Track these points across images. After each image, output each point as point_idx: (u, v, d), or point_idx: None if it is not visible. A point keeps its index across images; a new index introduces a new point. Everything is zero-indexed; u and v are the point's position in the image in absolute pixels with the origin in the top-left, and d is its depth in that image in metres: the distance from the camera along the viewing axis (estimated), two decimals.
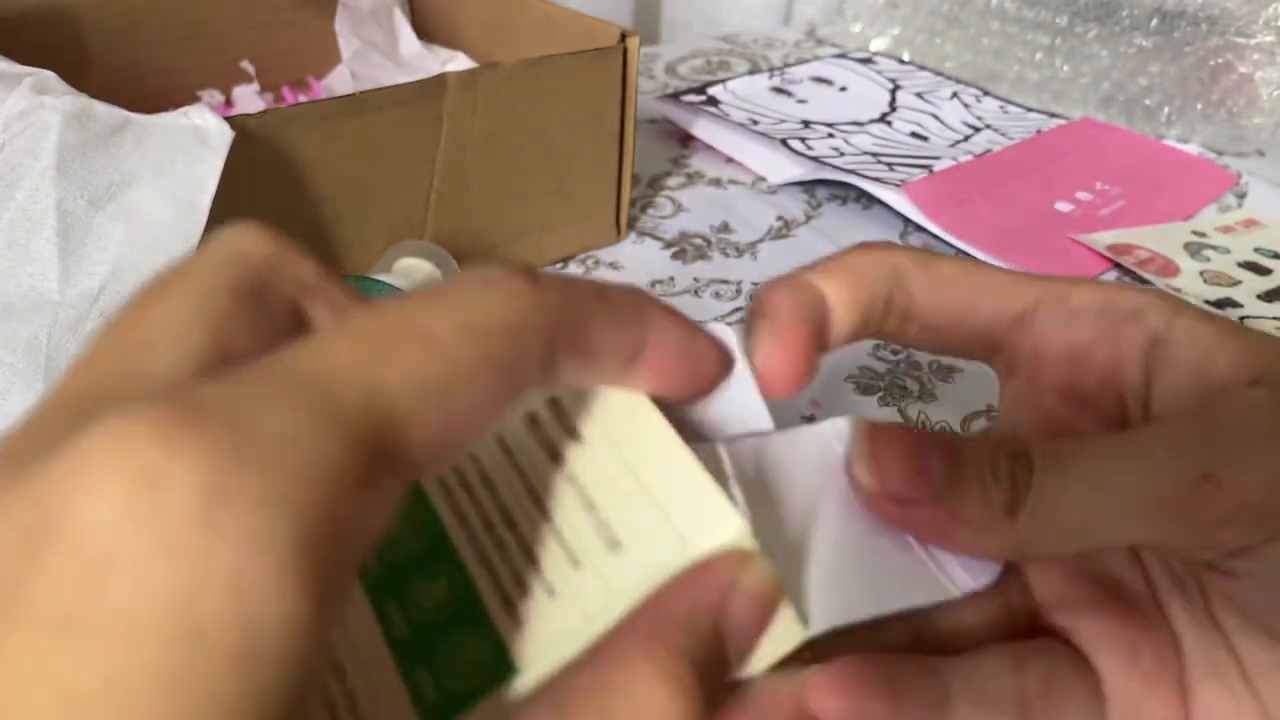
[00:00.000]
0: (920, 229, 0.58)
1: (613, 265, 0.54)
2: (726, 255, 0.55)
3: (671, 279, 0.53)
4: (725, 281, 0.53)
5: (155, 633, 0.11)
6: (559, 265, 0.54)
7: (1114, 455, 0.20)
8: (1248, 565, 0.20)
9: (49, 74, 0.37)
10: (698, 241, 0.57)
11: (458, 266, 0.46)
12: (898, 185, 0.58)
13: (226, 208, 0.37)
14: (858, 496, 0.21)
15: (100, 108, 0.36)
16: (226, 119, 0.37)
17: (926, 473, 0.20)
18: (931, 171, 0.61)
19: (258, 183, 0.41)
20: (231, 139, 0.37)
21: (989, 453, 0.20)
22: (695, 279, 0.53)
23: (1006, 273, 0.24)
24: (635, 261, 0.55)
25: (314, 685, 0.13)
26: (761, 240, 0.57)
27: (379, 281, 0.40)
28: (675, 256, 0.55)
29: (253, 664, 0.12)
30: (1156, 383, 0.22)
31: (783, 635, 0.18)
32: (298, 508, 0.12)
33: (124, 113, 0.36)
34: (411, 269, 0.44)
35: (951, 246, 0.56)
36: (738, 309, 0.51)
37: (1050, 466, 0.20)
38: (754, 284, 0.52)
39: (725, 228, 0.58)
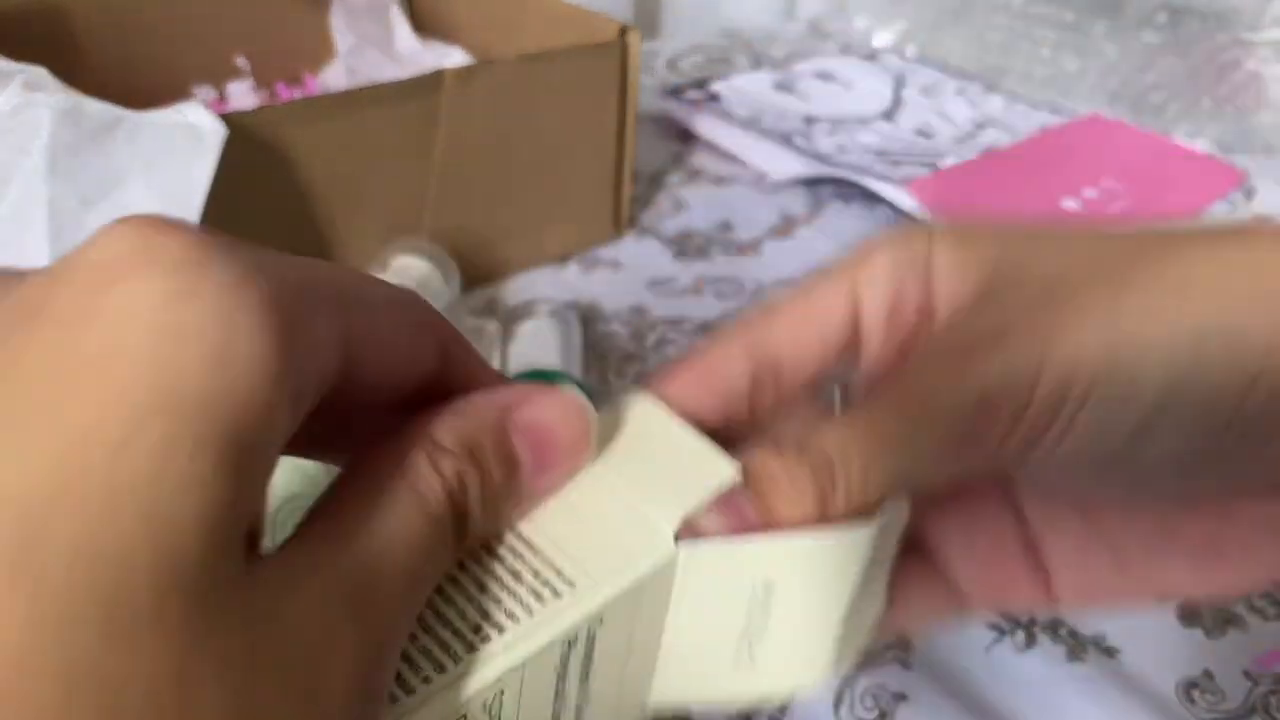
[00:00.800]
0: None
1: (612, 264, 0.54)
2: (728, 253, 0.55)
3: (672, 277, 0.53)
4: (726, 280, 0.52)
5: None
6: (558, 263, 0.53)
7: (895, 418, 0.20)
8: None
9: (41, 71, 0.36)
10: (698, 239, 0.56)
11: (455, 265, 0.45)
12: (902, 183, 0.58)
13: (220, 205, 0.36)
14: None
15: (92, 105, 0.35)
16: (220, 116, 0.37)
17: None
18: (936, 169, 0.60)
19: (252, 180, 0.40)
20: (225, 136, 0.36)
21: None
22: (696, 277, 0.52)
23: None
24: (635, 259, 0.54)
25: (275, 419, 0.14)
26: (763, 238, 0.56)
27: None
28: (676, 255, 0.55)
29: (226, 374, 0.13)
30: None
31: None
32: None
33: (116, 110, 0.36)
34: (407, 267, 0.44)
35: None
36: (738, 308, 0.50)
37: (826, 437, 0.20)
38: (757, 282, 0.52)
39: (726, 226, 0.58)
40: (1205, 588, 0.22)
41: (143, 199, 0.35)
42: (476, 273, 0.50)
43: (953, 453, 0.19)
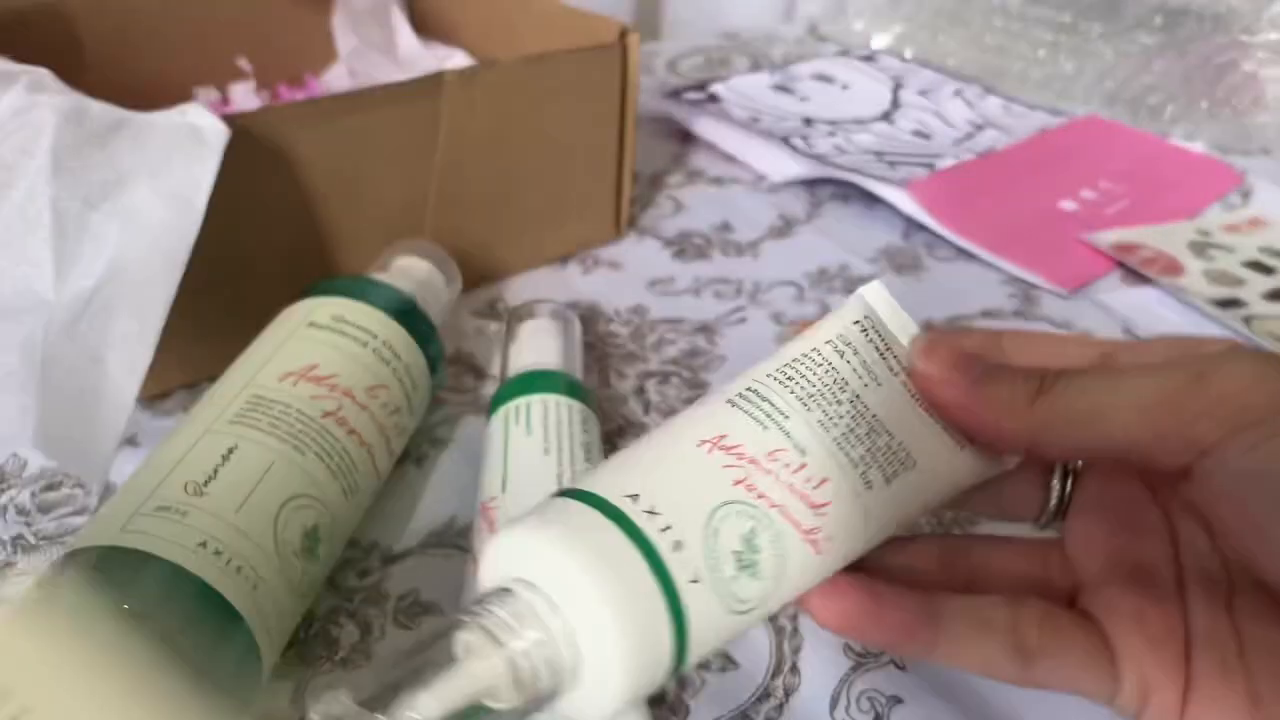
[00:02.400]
0: (923, 228, 0.57)
1: (612, 264, 0.54)
2: (727, 254, 0.55)
3: (672, 278, 0.53)
4: (726, 281, 0.52)
5: None
6: (558, 263, 0.54)
7: (1129, 369, 0.24)
8: (1208, 465, 0.22)
9: (44, 72, 0.37)
10: (698, 240, 0.56)
11: (456, 266, 0.45)
12: (900, 184, 0.58)
13: (223, 206, 0.36)
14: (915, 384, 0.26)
15: (96, 106, 0.36)
16: (223, 117, 0.37)
17: (968, 366, 0.25)
18: (934, 170, 0.61)
19: (254, 181, 0.40)
20: (228, 137, 0.37)
21: (1023, 370, 0.25)
22: (696, 278, 0.53)
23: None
24: (635, 260, 0.54)
25: None
26: (762, 239, 0.57)
27: (376, 281, 0.39)
28: (676, 255, 0.55)
29: None
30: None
31: None
32: None
33: (120, 111, 0.36)
34: (409, 268, 0.44)
35: (954, 246, 0.56)
36: (738, 308, 0.50)
37: (1074, 376, 0.24)
38: (756, 284, 0.52)
39: (726, 226, 0.58)
40: None
41: (146, 201, 0.35)
42: (477, 273, 0.50)
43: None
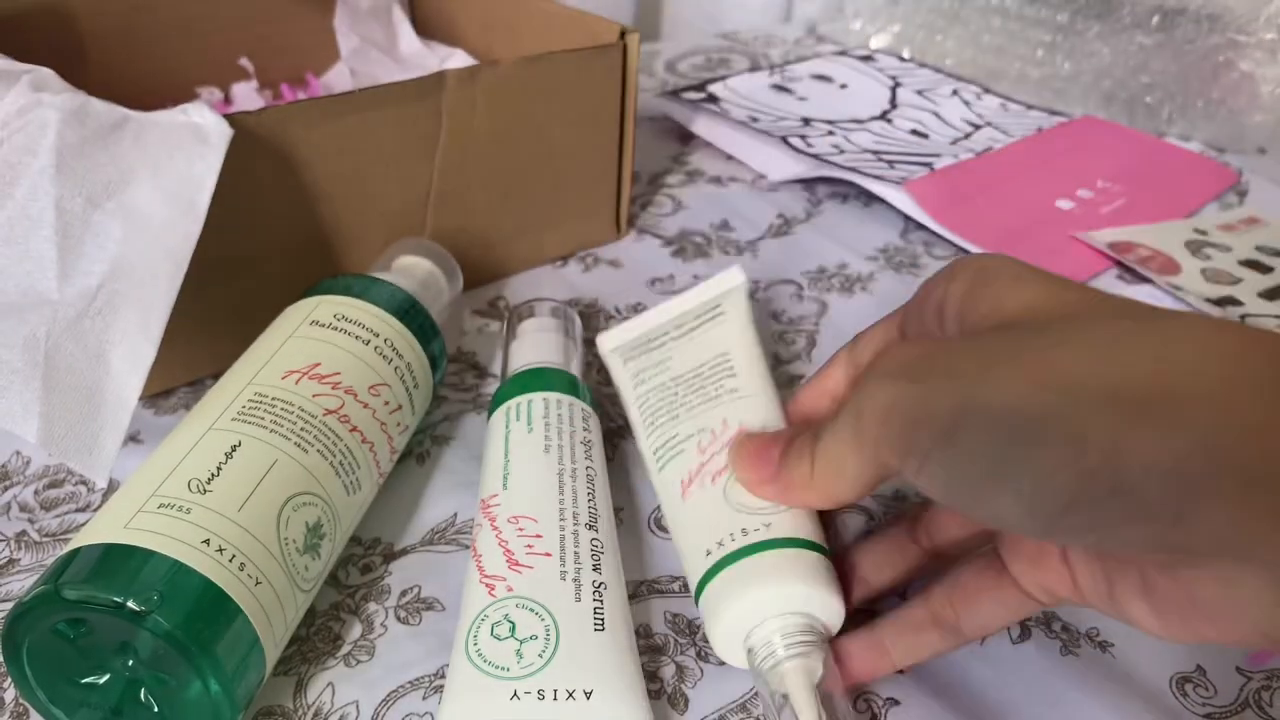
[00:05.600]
0: (921, 227, 0.57)
1: (613, 263, 0.54)
2: (727, 253, 0.55)
3: (671, 276, 0.53)
4: None
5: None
6: (559, 262, 0.54)
7: (831, 415, 0.28)
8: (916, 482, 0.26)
9: (47, 71, 0.37)
10: (698, 239, 0.57)
11: (457, 265, 0.46)
12: (899, 183, 0.58)
13: (225, 205, 0.36)
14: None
15: (98, 105, 0.36)
16: (225, 116, 0.37)
17: (769, 460, 0.31)
18: (932, 169, 0.61)
19: (257, 180, 0.41)
20: (230, 136, 0.37)
21: (805, 436, 0.30)
22: (695, 276, 0.53)
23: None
24: (635, 259, 0.54)
25: None
26: (762, 238, 0.57)
27: (378, 280, 0.39)
28: (675, 254, 0.55)
29: None
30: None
31: None
32: None
33: (122, 110, 0.36)
34: (411, 267, 0.44)
35: (953, 245, 0.56)
36: None
37: (820, 434, 0.29)
38: (755, 282, 0.52)
39: (725, 225, 0.58)
40: (1182, 636, 0.24)
41: (149, 199, 0.35)
42: (478, 272, 0.51)
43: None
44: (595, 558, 0.32)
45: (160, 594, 0.26)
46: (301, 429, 0.32)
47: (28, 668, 0.28)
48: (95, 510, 0.37)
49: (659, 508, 0.38)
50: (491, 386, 0.45)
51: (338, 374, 0.35)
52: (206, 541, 0.28)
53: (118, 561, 0.27)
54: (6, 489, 0.38)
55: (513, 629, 0.30)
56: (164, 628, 0.26)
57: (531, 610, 0.30)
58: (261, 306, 0.38)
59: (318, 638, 0.33)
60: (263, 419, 0.32)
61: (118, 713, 0.28)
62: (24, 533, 0.36)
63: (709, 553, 0.31)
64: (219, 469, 0.30)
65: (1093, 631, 0.34)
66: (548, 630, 0.30)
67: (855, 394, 0.27)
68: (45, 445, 0.32)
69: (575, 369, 0.41)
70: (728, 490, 0.33)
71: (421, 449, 0.41)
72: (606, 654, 0.30)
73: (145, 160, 0.36)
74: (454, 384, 0.45)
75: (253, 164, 0.40)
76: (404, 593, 0.34)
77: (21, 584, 0.34)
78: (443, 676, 0.31)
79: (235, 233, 0.41)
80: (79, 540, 0.28)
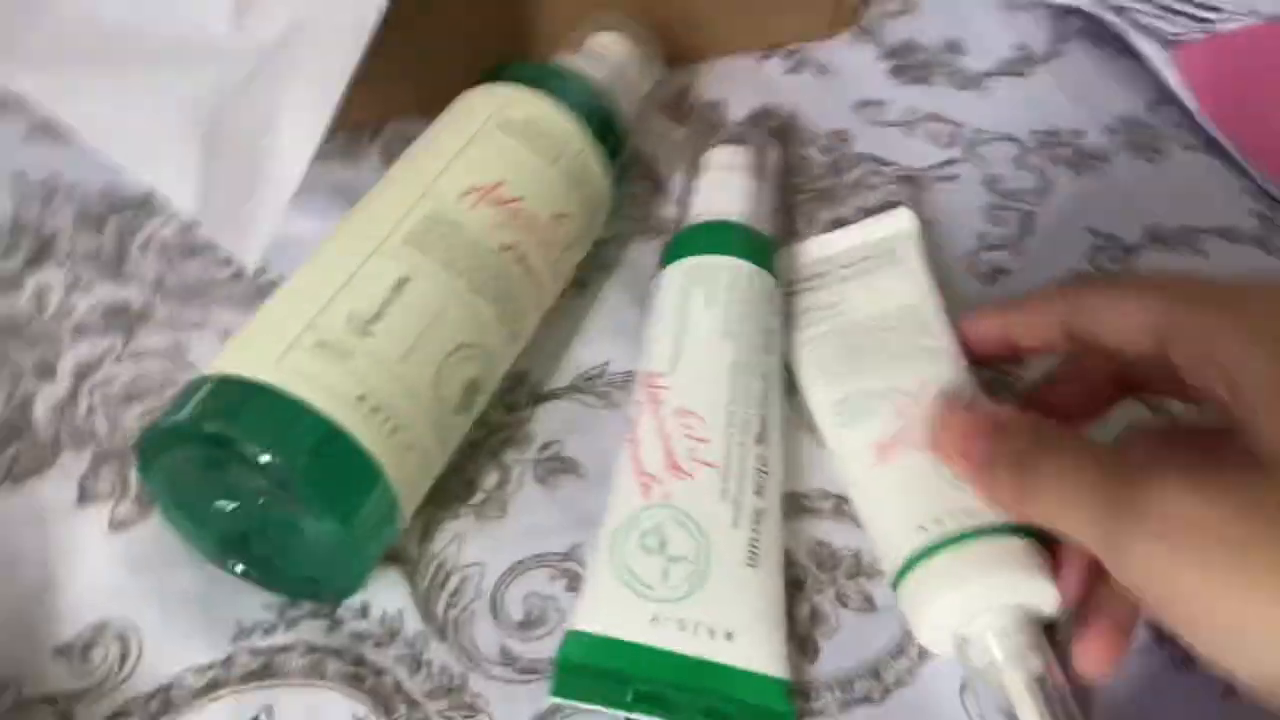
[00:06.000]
0: (1175, 102, 0.49)
1: (821, 69, 0.47)
2: (951, 83, 0.48)
3: (882, 103, 0.46)
4: (942, 120, 0.46)
5: None
6: (760, 55, 0.47)
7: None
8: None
9: None
10: (921, 57, 0.49)
11: (656, 47, 0.40)
12: (1167, 43, 0.49)
13: None
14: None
15: None
16: None
17: (973, 454, 0.27)
18: (1213, 35, 0.51)
19: None
20: None
21: (1026, 442, 0.26)
22: (910, 108, 0.46)
23: None
24: (847, 68, 0.48)
25: None
26: (992, 73, 0.49)
27: (576, 76, 0.34)
28: (893, 72, 0.48)
29: None
30: None
31: None
32: None
33: None
34: (605, 48, 0.39)
35: (1207, 136, 0.48)
36: (949, 160, 0.44)
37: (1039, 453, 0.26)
38: (976, 131, 0.46)
39: (955, 47, 0.50)
40: None
41: None
42: (672, 52, 0.44)
43: None
44: (759, 479, 0.29)
45: (307, 454, 0.24)
46: (475, 266, 0.29)
47: (161, 480, 0.26)
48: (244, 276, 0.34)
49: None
50: (666, 207, 0.40)
51: (520, 199, 0.30)
52: (362, 398, 0.25)
53: (266, 406, 0.25)
54: (146, 223, 0.35)
55: (663, 544, 0.28)
56: (304, 492, 0.24)
57: (685, 527, 0.28)
58: (441, 51, 0.33)
59: (452, 479, 0.31)
60: (434, 247, 0.28)
61: (243, 538, 0.27)
62: (161, 280, 0.34)
63: (923, 529, 0.28)
64: (383, 308, 0.27)
65: None
66: (699, 554, 0.28)
67: (1134, 488, 0.22)
68: (198, 214, 0.29)
69: (767, 222, 0.36)
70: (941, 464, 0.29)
71: (583, 275, 0.37)
72: (754, 595, 0.28)
73: None
74: (625, 195, 0.40)
75: None
76: (545, 446, 0.32)
77: (157, 340, 0.32)
78: (573, 559, 0.30)
79: (422, 10, 0.35)
80: (224, 364, 0.26)
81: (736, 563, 0.28)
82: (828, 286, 0.36)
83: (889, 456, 0.30)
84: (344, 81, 0.30)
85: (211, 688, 0.26)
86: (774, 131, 0.44)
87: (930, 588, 0.27)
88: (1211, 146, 0.48)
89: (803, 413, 0.33)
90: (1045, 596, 0.27)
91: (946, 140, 0.45)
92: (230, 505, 0.26)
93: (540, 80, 0.33)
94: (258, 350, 0.26)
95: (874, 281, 0.35)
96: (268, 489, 0.25)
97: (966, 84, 0.49)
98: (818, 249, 0.37)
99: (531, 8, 0.40)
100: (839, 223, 0.40)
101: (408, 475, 0.26)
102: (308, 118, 0.29)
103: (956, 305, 0.35)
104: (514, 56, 0.37)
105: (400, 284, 0.27)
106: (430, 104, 0.34)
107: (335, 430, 0.25)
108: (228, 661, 0.27)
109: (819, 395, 0.33)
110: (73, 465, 0.30)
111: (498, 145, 0.31)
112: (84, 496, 0.29)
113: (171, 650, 0.27)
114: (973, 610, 0.27)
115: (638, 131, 0.42)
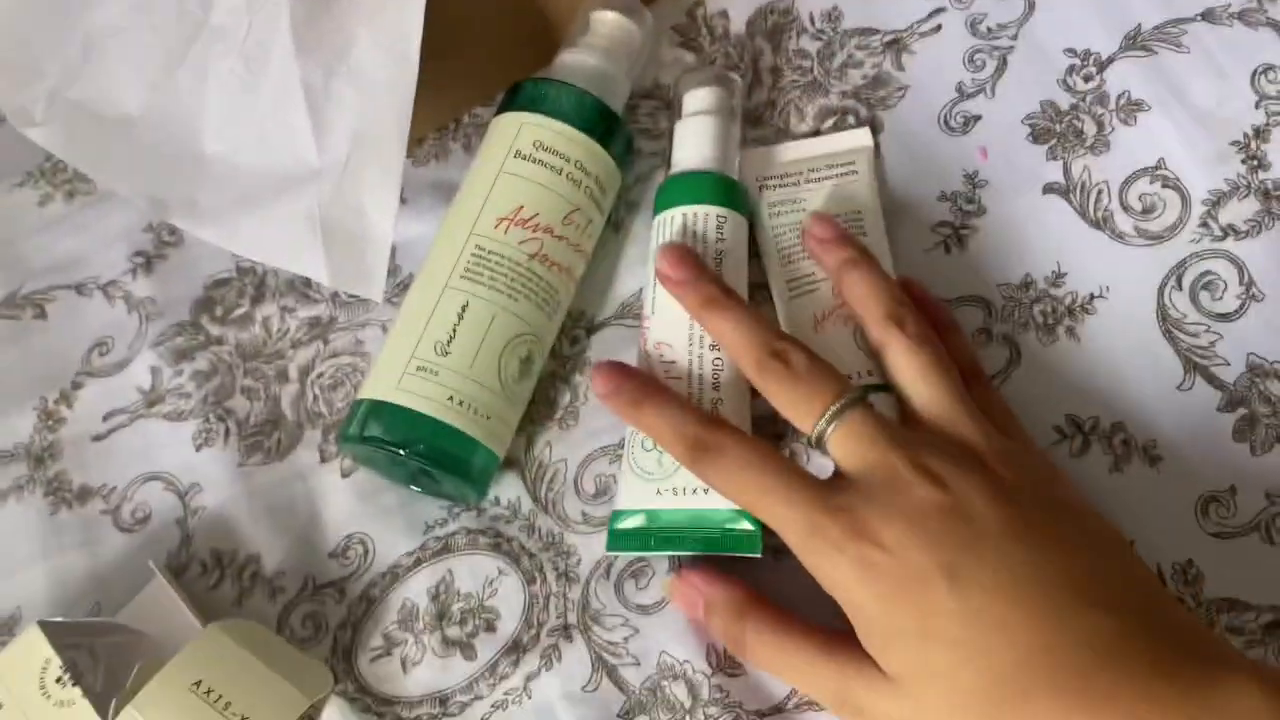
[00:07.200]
0: None
1: None
2: None
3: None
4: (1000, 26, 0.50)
5: None
6: None
7: None
8: None
9: None
10: None
11: (642, 7, 0.48)
12: None
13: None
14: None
15: None
16: None
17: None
18: None
19: None
20: None
21: None
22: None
23: None
24: None
25: None
26: None
27: (569, 90, 0.44)
28: None
29: None
30: None
31: None
32: None
33: None
34: (606, 29, 0.47)
35: None
36: (934, 10, 0.48)
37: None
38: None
39: None
40: None
41: (370, 58, 0.41)
42: None
43: None
44: (715, 376, 0.40)
45: (424, 442, 0.40)
46: (512, 280, 0.42)
47: (354, 454, 0.43)
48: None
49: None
50: None
51: (536, 215, 0.42)
52: (450, 398, 0.40)
53: (395, 416, 0.40)
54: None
55: (655, 443, 0.40)
56: (427, 464, 0.40)
57: None
58: (478, 45, 0.44)
59: (540, 402, 0.45)
60: (481, 276, 0.41)
61: (413, 477, 0.43)
62: (318, 319, 0.49)
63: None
64: (454, 331, 0.41)
65: (1149, 444, 0.40)
66: None
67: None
68: (333, 283, 0.43)
69: (730, 164, 0.44)
70: (857, 336, 0.40)
71: (617, 216, 0.48)
72: None
73: (361, 17, 0.41)
74: (647, 130, 0.49)
75: None
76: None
77: (344, 340, 0.48)
78: (623, 445, 0.42)
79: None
80: (367, 390, 0.41)
81: None
82: (795, 185, 0.45)
83: (821, 326, 0.41)
84: (400, 157, 0.41)
85: (416, 564, 0.44)
86: (765, 35, 0.50)
87: None
88: None
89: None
90: None
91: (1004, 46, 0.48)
92: (396, 468, 0.43)
93: (538, 102, 0.44)
94: (384, 380, 0.41)
95: (832, 186, 0.44)
96: (410, 464, 0.41)
97: None
98: (791, 153, 0.46)
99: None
100: (824, 112, 0.48)
101: (494, 433, 0.41)
102: (382, 193, 0.42)
103: (931, 179, 0.44)
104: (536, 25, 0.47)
105: (463, 310, 0.41)
106: (485, 87, 0.46)
107: (440, 424, 0.40)
108: (422, 547, 0.44)
109: (778, 272, 0.43)
110: (312, 438, 0.47)
111: (514, 176, 0.43)
112: (323, 458, 0.46)
113: (390, 545, 0.44)
114: None
115: (655, 62, 0.50)
